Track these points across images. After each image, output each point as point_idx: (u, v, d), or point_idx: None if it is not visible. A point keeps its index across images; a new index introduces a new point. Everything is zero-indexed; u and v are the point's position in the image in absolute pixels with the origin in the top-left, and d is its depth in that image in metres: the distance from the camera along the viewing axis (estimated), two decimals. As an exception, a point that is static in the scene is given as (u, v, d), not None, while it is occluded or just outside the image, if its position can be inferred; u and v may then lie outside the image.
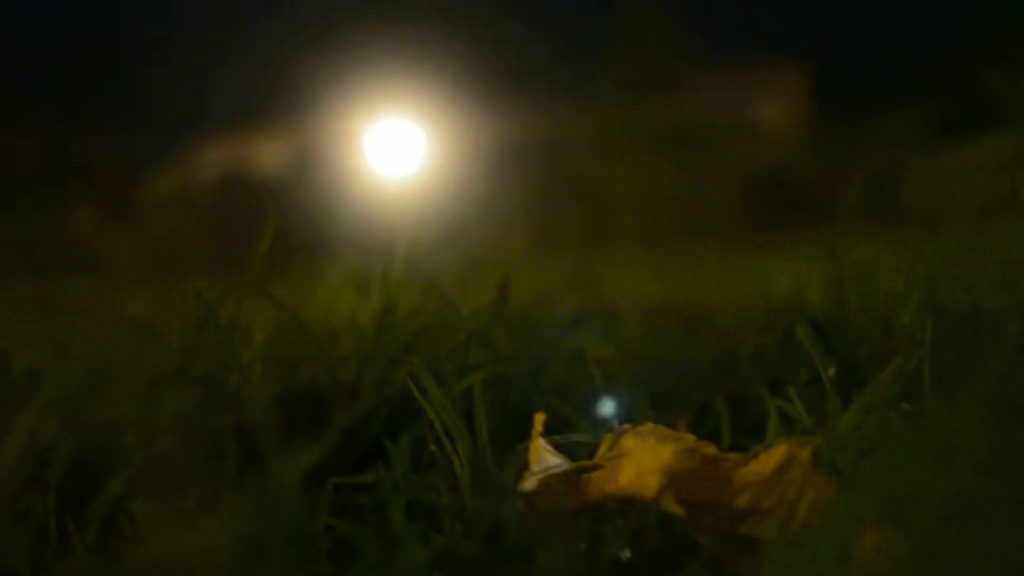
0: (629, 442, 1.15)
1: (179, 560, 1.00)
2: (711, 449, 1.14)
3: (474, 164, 41.40)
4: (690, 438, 1.14)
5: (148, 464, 1.37)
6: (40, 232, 37.75)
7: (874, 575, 0.89)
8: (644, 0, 43.04)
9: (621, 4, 43.73)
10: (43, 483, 1.30)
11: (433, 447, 1.25)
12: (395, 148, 36.99)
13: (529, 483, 1.17)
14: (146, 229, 41.20)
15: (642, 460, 1.12)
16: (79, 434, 1.48)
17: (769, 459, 1.11)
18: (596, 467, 1.14)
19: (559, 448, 1.24)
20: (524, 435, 1.26)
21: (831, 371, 1.56)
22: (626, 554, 1.08)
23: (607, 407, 1.63)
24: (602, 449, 1.17)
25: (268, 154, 47.97)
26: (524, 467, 1.21)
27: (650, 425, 1.17)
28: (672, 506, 1.08)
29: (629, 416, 1.60)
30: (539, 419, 1.24)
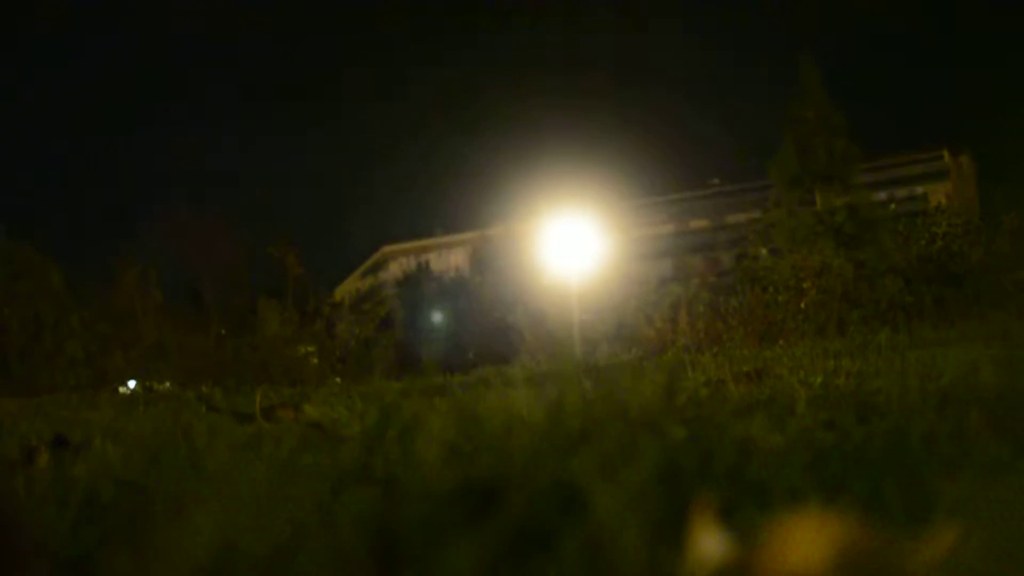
0: (799, 528, 1.15)
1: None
2: (882, 535, 1.13)
3: (646, 259, 41.29)
4: (860, 524, 1.14)
5: (333, 560, 1.42)
6: (232, 339, 38.73)
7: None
8: (818, 95, 42.83)
9: (795, 100, 43.64)
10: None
11: (603, 537, 1.27)
12: (571, 246, 37.24)
13: (699, 571, 1.18)
14: (333, 333, 42.07)
15: (812, 547, 1.12)
16: (264, 530, 1.54)
17: (941, 544, 1.10)
18: (766, 554, 1.14)
19: (729, 534, 1.25)
20: (694, 522, 1.26)
21: (1006, 454, 1.54)
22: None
23: (777, 493, 1.62)
24: (772, 536, 1.17)
25: (448, 258, 48.64)
26: (694, 554, 1.21)
27: (820, 511, 1.16)
28: (842, 591, 1.07)
29: (799, 502, 1.59)
30: (707, 506, 1.25)
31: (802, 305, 29.97)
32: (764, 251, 39.26)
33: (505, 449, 1.76)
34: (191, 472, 2.38)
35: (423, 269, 48.04)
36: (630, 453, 1.71)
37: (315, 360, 42.00)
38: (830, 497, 1.64)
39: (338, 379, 32.00)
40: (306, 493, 1.68)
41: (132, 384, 42.90)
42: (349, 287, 54.92)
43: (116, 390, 38.78)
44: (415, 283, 44.90)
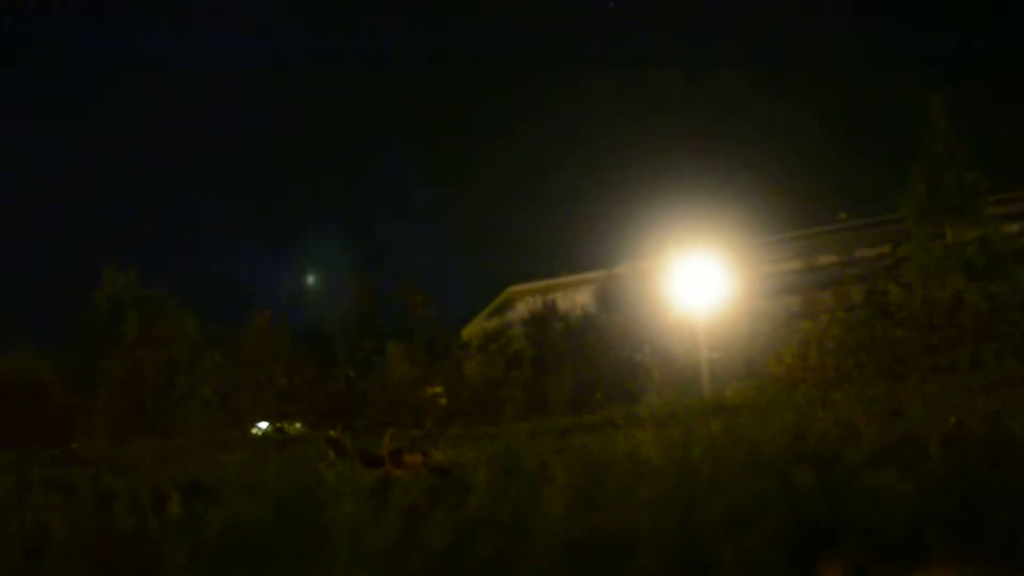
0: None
1: None
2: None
3: (773, 295, 40.76)
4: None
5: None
6: (361, 381, 38.96)
7: None
8: (946, 129, 42.12)
9: (924, 134, 43.03)
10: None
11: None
12: (698, 283, 36.99)
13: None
14: (460, 374, 42.16)
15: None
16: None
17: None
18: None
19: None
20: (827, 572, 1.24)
21: None
22: None
23: (909, 547, 1.58)
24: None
25: (575, 297, 48.57)
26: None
27: (952, 566, 1.14)
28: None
29: (931, 556, 1.54)
30: (836, 562, 1.23)
31: (934, 340, 29.38)
32: (894, 286, 38.56)
33: (632, 499, 1.74)
34: (319, 520, 2.39)
35: (549, 308, 47.96)
36: (759, 504, 1.67)
37: (443, 401, 42.20)
38: (964, 549, 1.59)
39: (465, 420, 32.12)
40: (433, 542, 1.68)
41: (263, 425, 43.58)
42: (476, 327, 55.12)
43: (248, 432, 39.45)
44: (541, 323, 44.83)
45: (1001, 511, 1.87)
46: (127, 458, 16.32)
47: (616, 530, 1.61)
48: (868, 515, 1.68)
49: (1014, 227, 50.86)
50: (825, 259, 72.06)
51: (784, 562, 1.24)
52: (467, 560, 1.59)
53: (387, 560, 1.64)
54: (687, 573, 1.38)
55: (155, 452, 18.28)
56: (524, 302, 53.85)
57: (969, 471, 2.40)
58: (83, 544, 2.55)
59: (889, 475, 2.06)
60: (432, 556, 1.61)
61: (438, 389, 42.86)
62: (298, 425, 41.34)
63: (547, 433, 8.59)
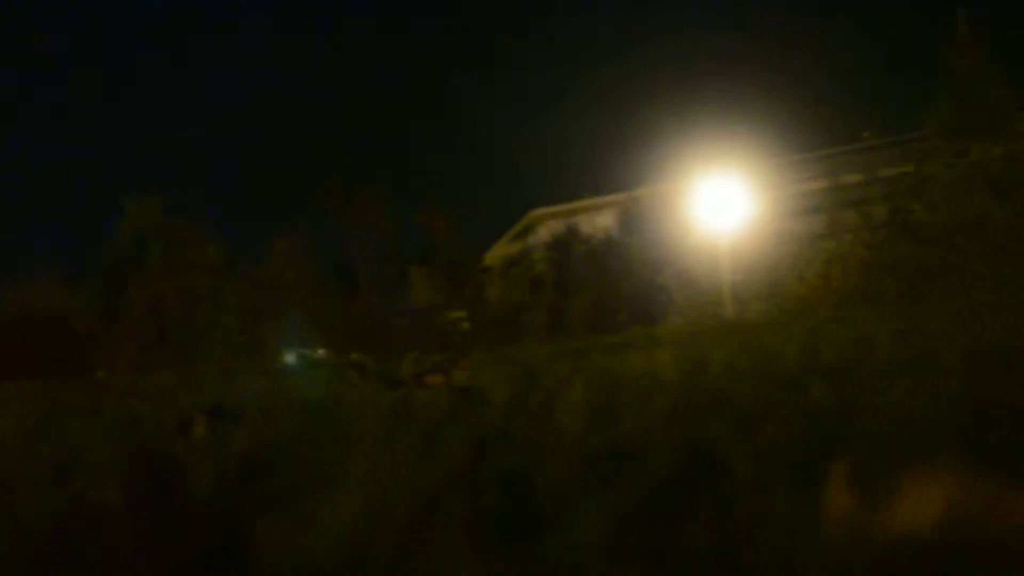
0: (930, 487, 1.14)
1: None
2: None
3: (797, 216, 40.56)
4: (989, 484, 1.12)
5: (475, 518, 1.44)
6: (384, 306, 38.93)
7: None
8: (974, 45, 41.59)
9: (951, 49, 42.48)
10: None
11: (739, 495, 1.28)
12: (721, 205, 36.85)
13: (833, 528, 1.18)
14: (483, 298, 42.19)
15: (937, 504, 1.12)
16: (408, 493, 1.57)
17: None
18: (897, 511, 1.14)
19: (862, 492, 1.24)
20: (830, 480, 1.26)
21: None
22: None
23: (914, 453, 1.60)
24: (902, 493, 1.16)
25: (597, 220, 48.46)
26: (828, 511, 1.21)
27: (954, 469, 1.16)
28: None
29: (937, 461, 1.56)
30: (843, 464, 1.25)
31: (958, 259, 29.31)
32: (917, 205, 38.31)
33: (644, 412, 1.76)
34: (342, 438, 2.43)
35: (572, 232, 47.84)
36: (769, 413, 1.70)
37: (465, 325, 42.29)
38: (967, 454, 1.61)
39: (487, 344, 32.22)
40: (451, 456, 1.71)
41: (287, 353, 43.81)
42: (498, 251, 55.01)
43: (271, 359, 39.66)
44: (564, 246, 44.74)
45: (1013, 421, 1.89)
46: (151, 386, 16.44)
47: (631, 440, 1.64)
48: (876, 426, 1.71)
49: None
50: (849, 178, 71.26)
51: (794, 471, 1.27)
52: (485, 471, 1.62)
53: (407, 473, 1.67)
54: (699, 479, 1.41)
55: (179, 380, 18.39)
56: (547, 226, 53.66)
57: (983, 384, 2.42)
58: (112, 465, 2.59)
59: (900, 388, 2.08)
60: (450, 468, 1.64)
61: (461, 314, 42.93)
62: (321, 351, 41.53)
63: (566, 354, 8.62)
